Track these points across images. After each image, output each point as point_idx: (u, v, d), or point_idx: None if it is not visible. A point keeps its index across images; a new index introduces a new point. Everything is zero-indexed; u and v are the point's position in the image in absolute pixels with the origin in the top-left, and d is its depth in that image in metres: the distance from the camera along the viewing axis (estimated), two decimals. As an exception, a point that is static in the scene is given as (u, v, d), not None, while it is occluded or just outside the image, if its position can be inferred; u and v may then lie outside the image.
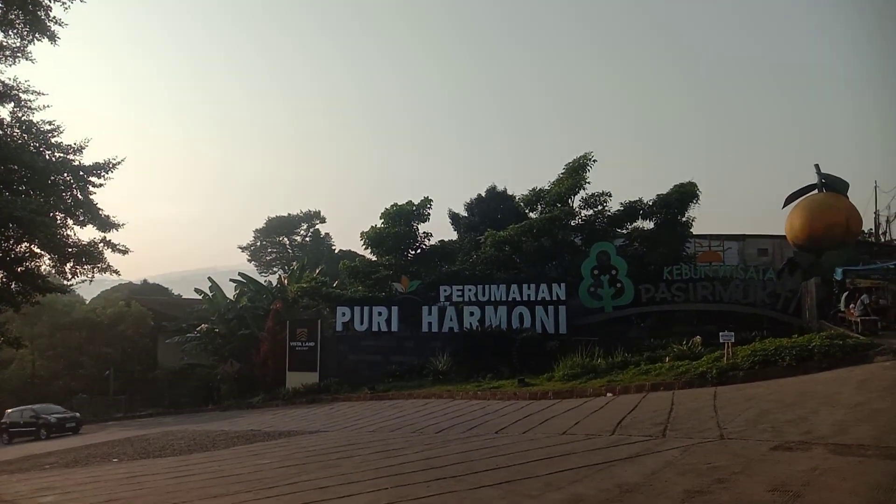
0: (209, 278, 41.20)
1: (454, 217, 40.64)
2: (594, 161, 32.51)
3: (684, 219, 31.25)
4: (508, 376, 22.36)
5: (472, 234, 37.70)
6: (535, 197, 34.00)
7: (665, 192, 31.16)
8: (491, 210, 38.48)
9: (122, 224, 26.85)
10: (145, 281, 75.18)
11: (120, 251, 26.89)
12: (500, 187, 40.29)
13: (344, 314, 29.61)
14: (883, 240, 39.96)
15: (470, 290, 28.34)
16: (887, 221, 41.13)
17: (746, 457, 7.88)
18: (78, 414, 31.20)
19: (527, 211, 34.84)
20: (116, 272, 27.67)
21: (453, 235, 40.21)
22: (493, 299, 27.87)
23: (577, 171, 32.41)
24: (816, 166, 30.25)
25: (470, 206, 40.24)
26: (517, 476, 8.03)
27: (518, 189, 53.23)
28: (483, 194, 40.14)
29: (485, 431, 12.88)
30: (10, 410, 31.17)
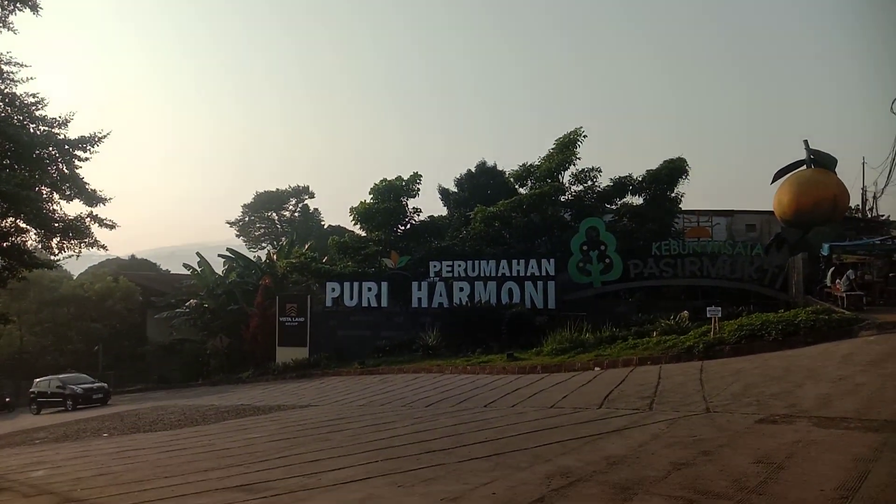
0: (197, 253, 41.01)
1: (444, 193, 40.53)
2: (584, 137, 32.48)
3: (673, 194, 31.40)
4: (498, 351, 22.50)
5: (461, 209, 37.65)
6: (525, 172, 33.95)
7: (655, 168, 31.23)
8: (481, 186, 38.36)
9: (109, 198, 26.59)
10: (133, 256, 74.79)
11: (107, 226, 26.66)
12: (490, 163, 40.15)
13: (333, 290, 29.63)
14: (870, 216, 40.23)
15: (460, 265, 28.39)
16: (874, 197, 41.37)
17: (732, 430, 8.00)
18: (106, 385, 30.12)
19: (517, 186, 34.80)
20: (104, 247, 27.46)
21: (443, 211, 40.17)
22: (482, 275, 27.93)
23: (567, 147, 32.37)
24: (805, 142, 30.38)
25: (460, 182, 40.10)
26: (506, 449, 8.12)
27: (508, 164, 53.09)
28: (473, 170, 39.99)
29: (474, 405, 12.98)
30: (38, 380, 30.32)
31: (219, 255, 41.92)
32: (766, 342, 15.25)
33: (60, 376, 30.02)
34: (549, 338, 21.17)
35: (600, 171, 32.53)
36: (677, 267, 25.82)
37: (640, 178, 31.50)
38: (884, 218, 39.36)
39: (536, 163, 33.60)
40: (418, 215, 35.01)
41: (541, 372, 17.66)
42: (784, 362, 12.99)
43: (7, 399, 32.85)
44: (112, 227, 26.90)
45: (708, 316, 17.35)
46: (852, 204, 36.35)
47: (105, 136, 25.85)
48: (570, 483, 6.25)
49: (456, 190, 40.11)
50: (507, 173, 36.71)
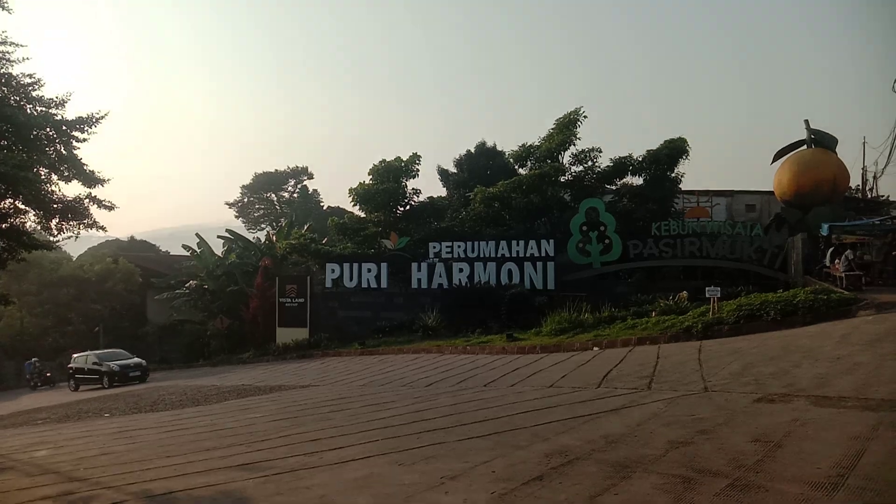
0: (197, 234, 41.00)
1: (443, 173, 40.47)
2: (584, 117, 32.38)
3: (673, 175, 31.31)
4: (497, 331, 22.59)
5: (461, 190, 37.63)
6: (525, 153, 33.85)
7: (655, 148, 31.12)
8: (480, 166, 38.31)
9: (108, 179, 26.46)
10: (132, 237, 74.71)
11: (106, 207, 26.58)
12: (489, 143, 40.08)
13: (333, 271, 29.67)
14: (869, 196, 40.20)
15: (459, 246, 28.41)
16: (874, 178, 41.29)
17: (729, 409, 8.05)
18: (144, 362, 28.43)
19: (516, 167, 34.73)
20: (103, 228, 27.37)
21: (442, 192, 40.17)
22: (482, 256, 27.96)
23: (567, 127, 32.24)
24: (806, 122, 30.27)
25: (459, 163, 40.03)
26: (505, 428, 8.18)
27: (507, 145, 52.97)
28: (472, 150, 39.91)
29: (473, 385, 13.05)
30: (75, 355, 29.07)
31: (218, 237, 41.92)
32: (764, 322, 15.30)
33: (97, 352, 28.84)
34: (548, 318, 21.24)
35: (600, 151, 32.44)
36: (677, 247, 25.83)
37: (640, 159, 31.40)
38: (884, 198, 39.36)
39: (536, 143, 33.49)
40: (418, 196, 34.96)
41: (540, 352, 17.74)
42: (782, 342, 13.04)
43: (48, 374, 32.51)
44: (111, 208, 26.77)
45: (707, 296, 17.41)
46: (852, 184, 36.29)
47: (103, 117, 25.67)
48: (569, 461, 6.30)
49: (455, 171, 40.06)
50: (506, 154, 36.64)
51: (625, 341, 16.60)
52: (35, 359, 33.48)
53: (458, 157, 40.42)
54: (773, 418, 7.33)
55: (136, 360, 28.25)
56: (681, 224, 26.80)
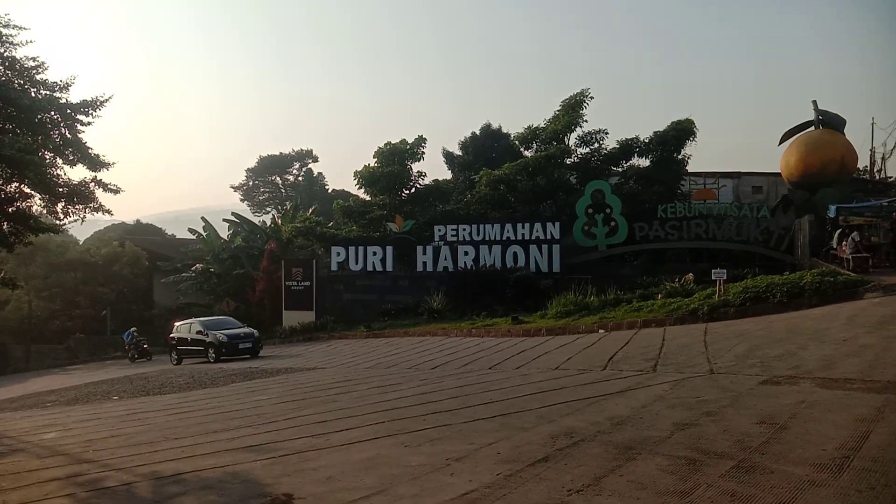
0: (202, 218, 41.05)
1: (448, 156, 40.29)
2: (591, 98, 32.14)
3: (680, 156, 31.15)
4: (502, 314, 22.63)
5: (466, 172, 37.50)
6: (531, 135, 33.68)
7: (662, 130, 30.94)
8: (485, 148, 38.14)
9: (113, 163, 26.43)
10: (138, 221, 74.87)
11: (111, 190, 26.60)
12: (494, 125, 39.83)
13: (339, 254, 29.72)
14: (877, 177, 39.90)
15: (464, 229, 28.39)
16: (883, 158, 40.95)
17: (735, 391, 8.06)
18: (256, 332, 24.66)
19: (522, 149, 34.57)
20: (109, 212, 27.40)
21: (447, 174, 39.99)
22: (487, 238, 27.95)
23: (573, 109, 32.05)
24: (814, 102, 30.00)
25: (464, 145, 39.83)
26: (511, 409, 8.21)
27: (513, 127, 52.74)
28: (477, 132, 39.70)
29: (479, 367, 13.10)
30: (178, 323, 26.35)
31: (223, 220, 41.97)
32: (770, 304, 15.28)
33: (202, 319, 25.89)
34: (553, 301, 21.27)
35: (607, 133, 32.27)
36: (683, 229, 25.75)
37: (646, 140, 31.22)
38: (892, 179, 39.09)
39: (542, 125, 33.27)
40: (423, 179, 34.84)
41: (545, 334, 17.77)
42: (788, 324, 13.03)
43: (146, 346, 30.29)
44: (116, 191, 26.79)
45: (713, 278, 17.38)
46: (860, 165, 36.00)
47: (107, 100, 25.64)
48: (574, 443, 6.33)
49: (461, 153, 39.88)
50: (512, 136, 36.43)
51: (630, 323, 16.61)
52: (134, 329, 31.36)
53: (463, 139, 40.20)
54: (779, 400, 7.33)
55: (247, 329, 24.83)
56: (687, 206, 26.68)
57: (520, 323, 20.19)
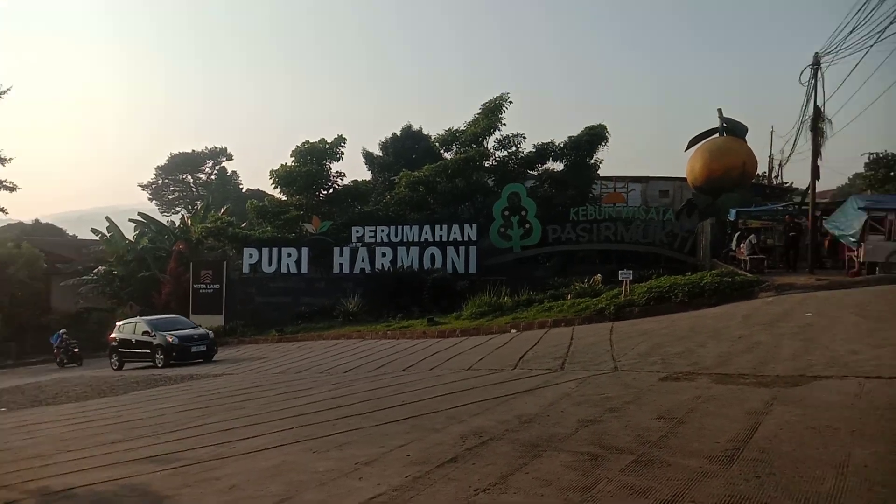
0: (107, 218, 39.09)
1: (368, 156, 40.02)
2: (510, 102, 32.71)
3: (592, 161, 32.11)
4: (418, 316, 22.68)
5: (386, 174, 37.37)
6: (451, 137, 33.96)
7: (576, 135, 31.79)
8: (406, 150, 38.12)
9: (10, 159, 24.97)
10: (37, 221, 70.69)
11: (7, 188, 25.07)
12: (415, 126, 39.89)
13: (251, 255, 28.99)
14: (775, 182, 42.42)
15: (383, 230, 28.28)
16: (780, 165, 43.60)
17: (637, 387, 8.33)
18: (210, 333, 22.59)
19: (442, 151, 34.78)
20: (3, 210, 25.87)
21: (367, 175, 39.74)
22: (405, 240, 27.93)
23: (492, 112, 32.53)
24: (719, 110, 31.51)
25: (384, 146, 39.68)
26: (422, 411, 8.19)
27: (434, 129, 52.91)
28: (398, 133, 39.63)
29: (392, 370, 13.05)
30: (120, 323, 24.00)
31: (129, 220, 40.10)
32: (673, 304, 15.94)
33: (149, 318, 23.22)
34: (469, 302, 21.49)
35: (524, 137, 32.93)
36: (593, 232, 26.54)
37: (561, 145, 32.03)
38: (787, 185, 41.63)
39: (462, 128, 33.61)
40: (342, 179, 34.54)
41: (459, 335, 17.90)
42: (689, 322, 13.62)
43: (76, 349, 27.93)
44: (12, 189, 25.31)
45: (620, 279, 17.99)
46: (760, 171, 38.15)
47: (5, 92, 24.14)
48: (483, 442, 6.37)
49: (381, 154, 39.70)
50: (432, 138, 36.59)
51: (541, 323, 16.95)
52: (63, 330, 28.85)
53: (383, 140, 40.02)
54: (678, 396, 7.62)
55: (202, 330, 22.68)
56: (598, 209, 27.54)
57: (435, 324, 20.27)
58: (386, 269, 27.30)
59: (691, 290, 16.12)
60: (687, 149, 31.70)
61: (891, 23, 16.41)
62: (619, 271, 18.35)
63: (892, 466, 4.63)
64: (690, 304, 15.74)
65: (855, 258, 17.79)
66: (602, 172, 32.93)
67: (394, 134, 39.73)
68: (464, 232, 27.36)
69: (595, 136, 31.39)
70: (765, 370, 8.50)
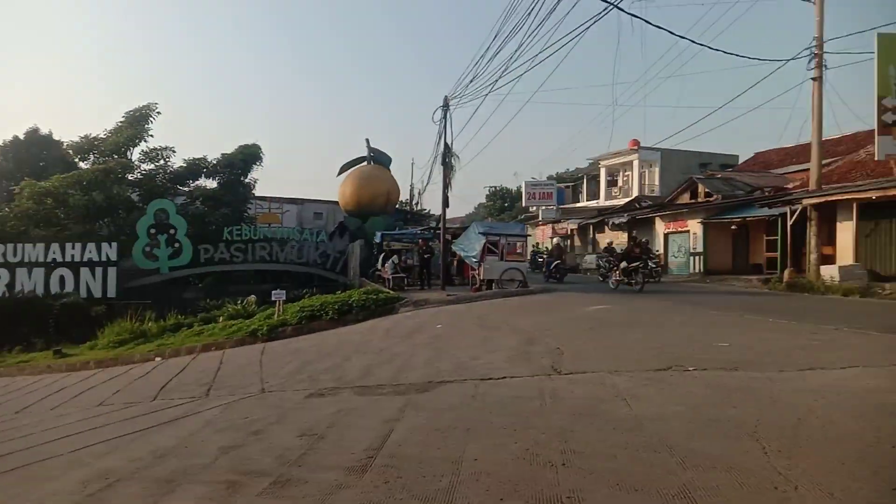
0: None
1: (-20, 162, 33.72)
2: (158, 113, 30.80)
3: (247, 180, 31.79)
4: (43, 348, 19.82)
5: (5, 182, 32.06)
6: (88, 145, 30.67)
7: (230, 152, 31.15)
8: (32, 157, 33.10)
9: None
10: None
11: None
12: (44, 130, 34.80)
13: None
14: (416, 209, 47.06)
15: (-2, 249, 24.07)
16: (420, 193, 48.69)
17: (283, 407, 8.36)
18: None
19: (77, 160, 31.16)
20: None
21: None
22: (27, 260, 24.31)
23: (138, 122, 30.27)
24: (367, 140, 33.84)
25: (3, 150, 33.92)
26: (35, 458, 7.10)
27: (68, 135, 46.89)
28: (22, 137, 34.15)
29: (1, 413, 11.10)
30: None
31: None
32: (324, 321, 16.47)
33: None
34: (107, 329, 19.49)
35: (174, 151, 31.33)
36: (248, 252, 26.21)
37: (214, 162, 31.07)
38: (426, 211, 46.46)
39: (102, 136, 30.49)
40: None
41: (94, 367, 16.07)
42: (338, 339, 14.19)
43: None
44: None
45: (273, 299, 18.00)
46: (403, 198, 41.87)
47: None
48: (109, 485, 5.76)
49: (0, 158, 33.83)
50: (65, 144, 32.44)
51: (189, 349, 16.08)
52: None
53: (2, 143, 34.15)
54: (321, 411, 7.82)
55: None
56: (253, 229, 27.28)
57: (64, 357, 17.90)
58: (1, 294, 23.27)
59: (341, 308, 16.85)
60: (339, 174, 33.36)
61: (500, 77, 19.42)
62: (272, 291, 18.37)
63: (496, 457, 5.21)
64: (340, 320, 16.43)
65: (477, 276, 20.48)
66: (258, 192, 32.82)
67: (15, 136, 34.23)
68: (101, 251, 24.78)
69: (249, 155, 31.19)
70: (400, 379, 9.20)
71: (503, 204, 61.93)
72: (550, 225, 41.08)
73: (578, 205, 46.57)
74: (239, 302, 20.44)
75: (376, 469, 5.29)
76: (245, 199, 31.14)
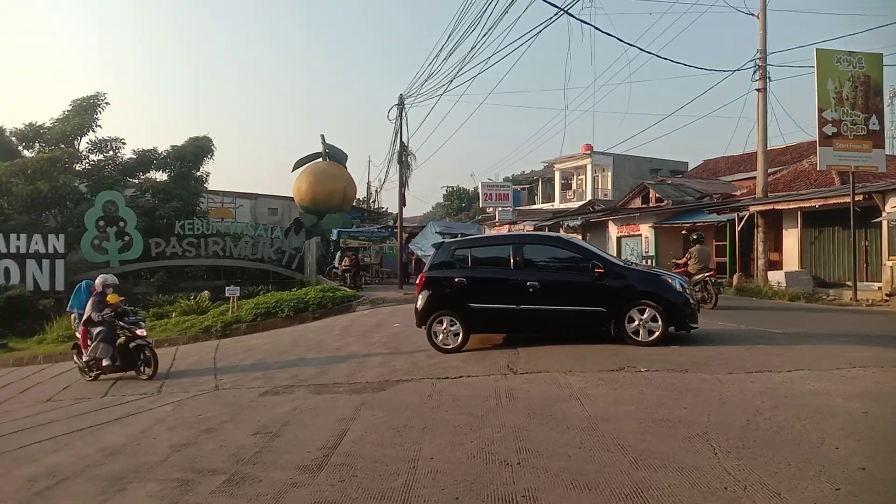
0: None
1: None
2: (107, 103, 30.01)
3: (199, 173, 31.24)
4: (-15, 341, 19.07)
5: (-62, 171, 30.72)
6: (33, 133, 29.65)
7: (181, 144, 30.59)
8: (-31, 143, 31.84)
9: None
10: None
11: None
12: (-16, 117, 33.65)
13: None
14: (373, 207, 46.83)
15: (-68, 239, 23.12)
16: (377, 191, 48.46)
17: (237, 405, 8.30)
18: None
19: (20, 148, 30.11)
20: None
21: None
22: (-33, 251, 23.30)
23: (86, 111, 29.45)
24: (322, 136, 33.58)
25: (-65, 136, 32.53)
26: (-22, 457, 6.92)
27: (10, 121, 45.36)
28: (-41, 123, 32.88)
29: (-60, 410, 10.73)
30: None
31: None
32: (280, 319, 16.35)
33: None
34: (54, 323, 18.94)
35: (124, 142, 30.54)
36: (201, 247, 25.75)
37: (165, 154, 30.44)
38: (384, 209, 46.25)
39: (48, 124, 29.57)
40: None
41: (42, 362, 15.66)
42: (294, 336, 14.11)
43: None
44: None
45: (227, 295, 17.78)
46: (360, 195, 41.67)
47: None
48: (57, 482, 5.69)
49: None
50: (7, 131, 31.34)
51: (141, 345, 15.76)
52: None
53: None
54: (276, 410, 7.79)
55: None
56: (206, 223, 26.80)
57: (10, 351, 17.37)
58: (-63, 286, 22.38)
59: (297, 305, 16.74)
60: (294, 170, 33.03)
61: (454, 77, 19.47)
62: (227, 287, 18.13)
63: (452, 456, 5.27)
64: (295, 318, 16.32)
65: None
66: (211, 186, 32.21)
67: (-46, 123, 33.00)
68: (48, 243, 24.00)
69: (200, 148, 30.65)
70: (357, 377, 9.22)
71: (461, 204, 62.25)
72: (507, 226, 41.47)
73: (534, 207, 47.10)
74: (192, 298, 20.08)
75: (331, 468, 5.30)
76: (197, 193, 30.50)
